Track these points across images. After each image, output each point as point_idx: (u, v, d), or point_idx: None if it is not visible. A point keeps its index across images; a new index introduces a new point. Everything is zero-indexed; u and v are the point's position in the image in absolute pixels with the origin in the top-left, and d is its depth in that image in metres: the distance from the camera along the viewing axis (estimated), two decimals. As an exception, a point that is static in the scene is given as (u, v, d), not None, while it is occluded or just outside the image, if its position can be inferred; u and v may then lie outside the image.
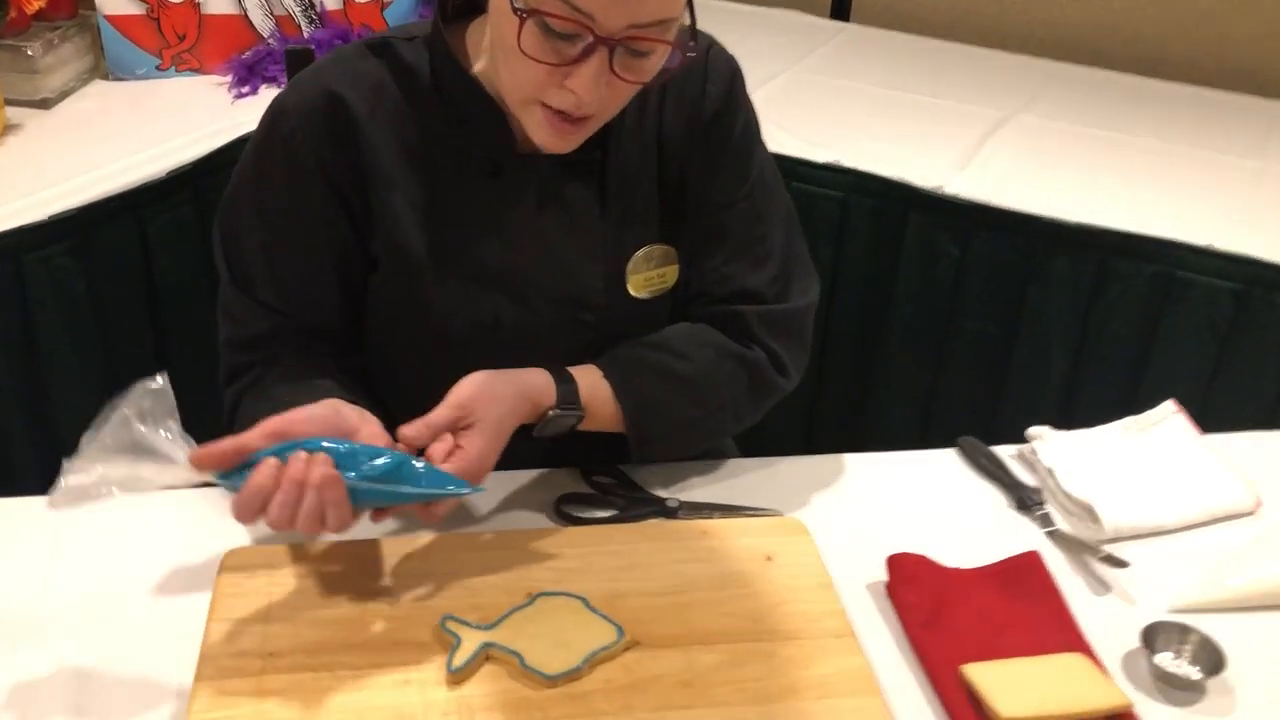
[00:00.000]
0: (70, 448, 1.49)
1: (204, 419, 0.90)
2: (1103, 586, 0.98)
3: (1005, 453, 1.14)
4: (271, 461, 0.82)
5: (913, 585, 0.95)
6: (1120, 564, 0.98)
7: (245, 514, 0.83)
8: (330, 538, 0.92)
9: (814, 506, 1.06)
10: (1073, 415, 1.66)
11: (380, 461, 0.85)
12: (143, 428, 0.80)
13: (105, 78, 1.83)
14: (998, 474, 1.10)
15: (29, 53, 1.68)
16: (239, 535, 0.97)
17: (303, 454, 0.83)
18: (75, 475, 0.79)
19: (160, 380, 0.81)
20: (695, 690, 0.85)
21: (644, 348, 1.05)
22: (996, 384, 1.72)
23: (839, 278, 1.78)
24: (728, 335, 1.07)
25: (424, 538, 0.97)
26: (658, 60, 0.90)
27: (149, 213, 1.56)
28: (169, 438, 0.81)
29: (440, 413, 0.92)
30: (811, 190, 1.73)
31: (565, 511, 1.02)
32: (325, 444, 0.84)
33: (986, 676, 0.86)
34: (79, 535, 0.97)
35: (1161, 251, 1.57)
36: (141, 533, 0.98)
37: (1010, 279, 1.66)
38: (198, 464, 0.82)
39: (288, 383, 0.97)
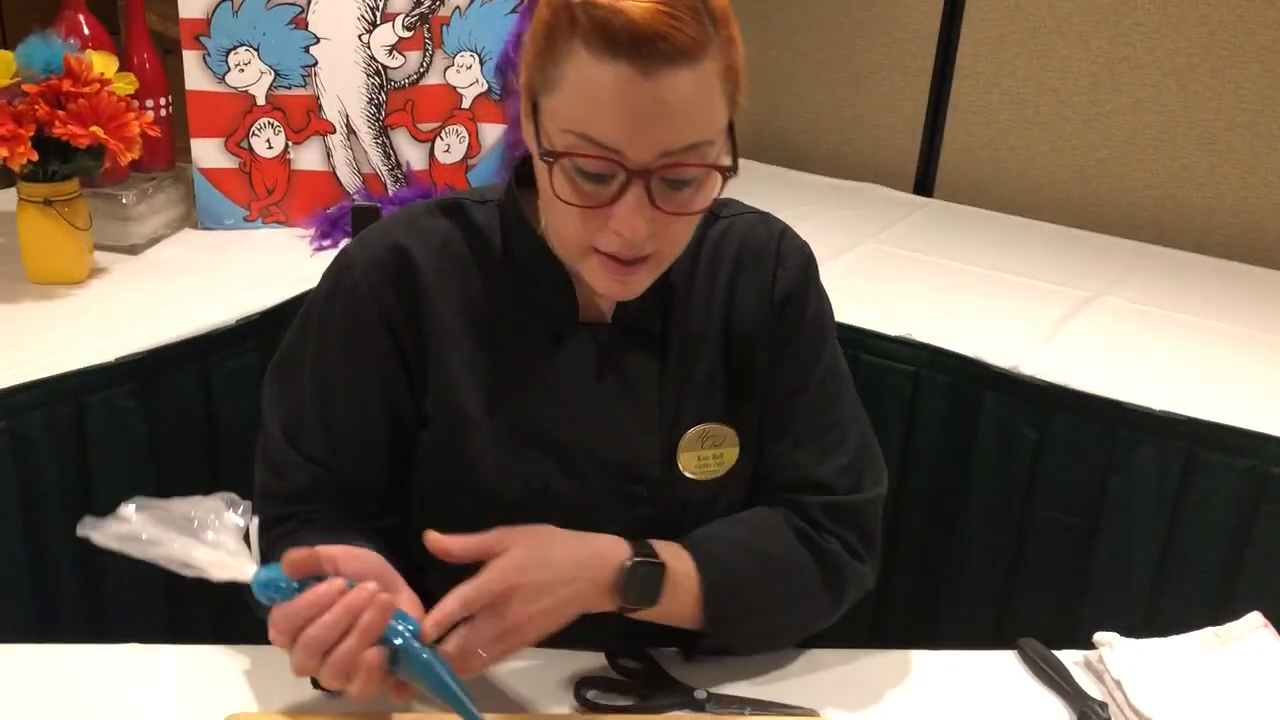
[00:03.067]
0: (121, 592, 1.50)
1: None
2: (1175, 823, 0.87)
3: (1071, 658, 1.04)
4: (339, 583, 0.79)
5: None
6: (1195, 798, 0.87)
7: (283, 631, 0.79)
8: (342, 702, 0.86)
9: (856, 707, 0.98)
10: (1159, 618, 1.54)
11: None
12: (206, 528, 0.81)
13: (194, 226, 1.89)
14: (1060, 682, 1.00)
15: (123, 200, 1.74)
16: (240, 699, 0.93)
17: (369, 586, 0.79)
18: (123, 524, 0.80)
19: (242, 508, 0.83)
20: None
21: (724, 524, 1.01)
22: (1077, 579, 1.61)
23: (910, 456, 1.71)
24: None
25: (429, 713, 0.91)
26: (701, 189, 0.88)
27: (215, 359, 1.58)
28: (226, 540, 0.81)
29: (477, 537, 0.87)
30: (882, 364, 1.68)
31: (585, 696, 0.96)
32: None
33: None
34: (85, 682, 0.94)
35: (1256, 445, 1.47)
36: (143, 687, 0.95)
37: (1092, 467, 1.57)
38: (292, 569, 0.80)
39: (326, 538, 0.92)
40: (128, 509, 0.79)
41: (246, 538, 0.82)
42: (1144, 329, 1.74)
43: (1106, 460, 1.56)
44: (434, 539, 0.86)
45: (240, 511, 0.82)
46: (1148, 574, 1.57)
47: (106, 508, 1.46)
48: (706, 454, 1.02)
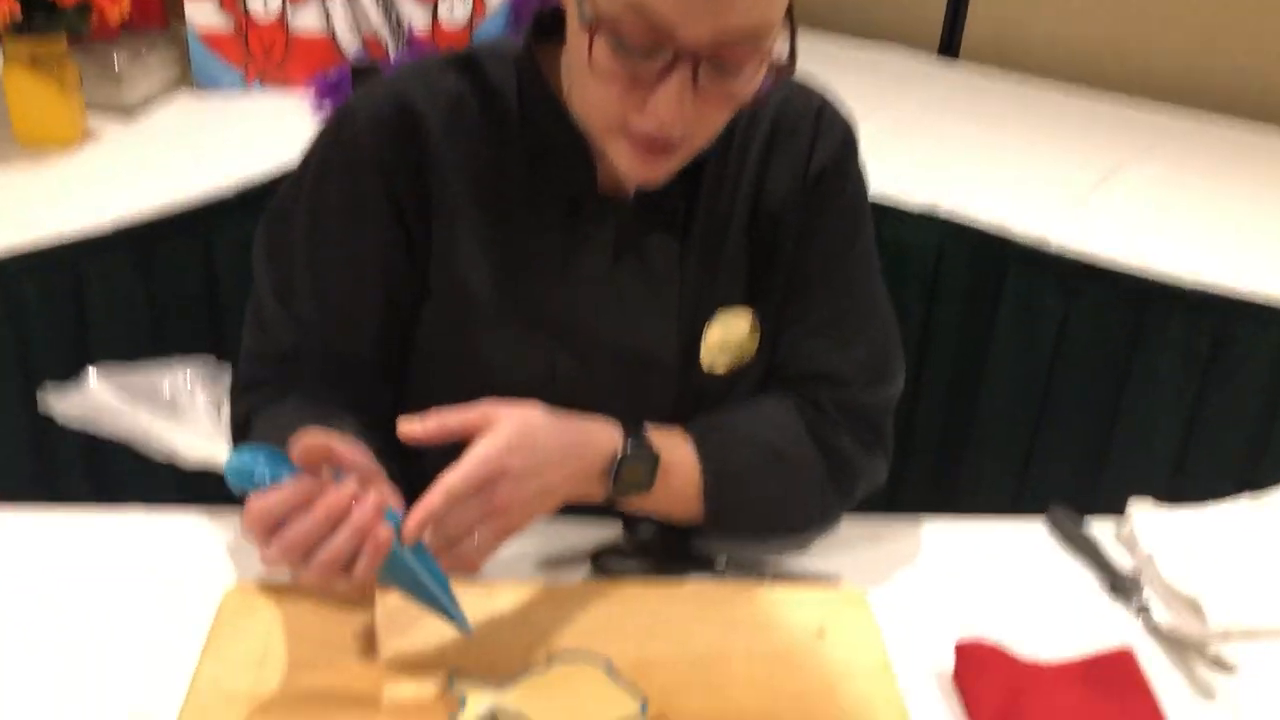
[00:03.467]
0: (118, 468, 1.47)
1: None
2: (1206, 694, 0.85)
3: (1103, 527, 1.01)
4: (320, 480, 0.72)
5: (983, 678, 0.83)
6: (1226, 668, 0.85)
7: (259, 526, 0.72)
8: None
9: (880, 575, 0.95)
10: (1182, 494, 1.51)
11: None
12: (177, 403, 0.73)
13: (191, 88, 1.82)
14: (1091, 552, 0.98)
15: (115, 60, 1.67)
16: (242, 568, 0.90)
17: (353, 485, 0.74)
18: (86, 396, 0.71)
19: (217, 379, 0.75)
20: (725, 779, 0.75)
21: (731, 412, 0.96)
22: (1098, 455, 1.59)
23: (930, 332, 1.66)
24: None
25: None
26: (751, 78, 0.79)
27: (216, 229, 1.53)
28: (199, 419, 0.73)
29: (457, 414, 0.81)
30: (903, 238, 1.62)
31: (601, 564, 0.93)
32: None
33: (1064, 790, 0.75)
34: (87, 546, 0.92)
35: (1289, 319, 1.43)
36: (145, 553, 0.92)
37: (1118, 342, 1.53)
38: (303, 457, 0.72)
39: (308, 415, 0.87)
40: (90, 376, 0.72)
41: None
42: (1175, 198, 1.68)
43: (1133, 335, 1.52)
44: (406, 426, 0.78)
45: (215, 382, 0.76)
46: (1171, 450, 1.54)
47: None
48: (728, 343, 0.96)
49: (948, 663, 0.85)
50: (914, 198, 1.62)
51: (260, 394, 0.93)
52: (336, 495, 0.72)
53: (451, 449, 0.79)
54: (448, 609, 0.78)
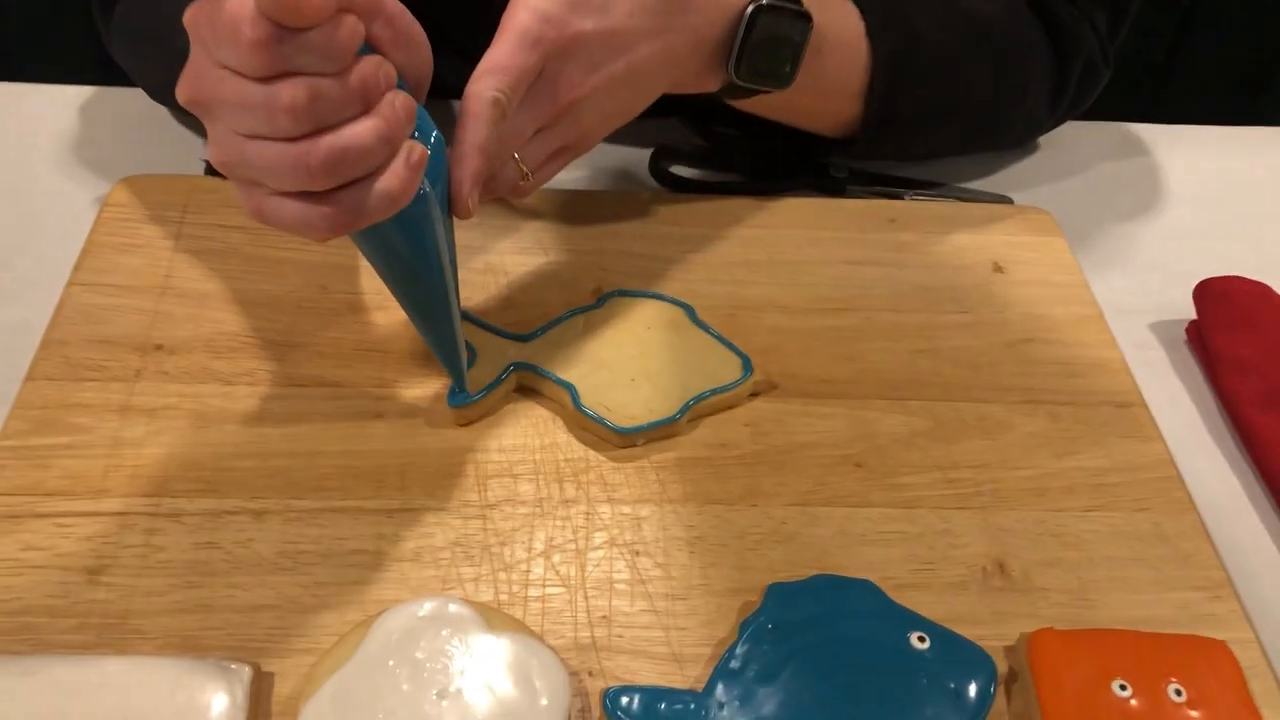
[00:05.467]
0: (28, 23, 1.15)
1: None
2: None
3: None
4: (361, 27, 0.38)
5: (1245, 330, 0.57)
6: None
7: (264, 53, 0.36)
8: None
9: (1066, 197, 0.67)
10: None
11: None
12: None
13: None
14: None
15: None
16: (141, 157, 0.61)
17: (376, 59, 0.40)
18: None
19: None
20: (869, 474, 0.49)
21: None
22: (1246, 71, 1.29)
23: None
24: None
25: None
26: None
27: None
28: None
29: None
30: None
31: (666, 170, 0.64)
32: None
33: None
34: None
35: None
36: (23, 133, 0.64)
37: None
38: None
39: None
40: None
41: None
42: None
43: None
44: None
45: None
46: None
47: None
48: None
49: (1178, 309, 0.59)
50: None
51: None
52: (377, 61, 0.39)
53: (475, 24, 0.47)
54: (449, 316, 0.47)
